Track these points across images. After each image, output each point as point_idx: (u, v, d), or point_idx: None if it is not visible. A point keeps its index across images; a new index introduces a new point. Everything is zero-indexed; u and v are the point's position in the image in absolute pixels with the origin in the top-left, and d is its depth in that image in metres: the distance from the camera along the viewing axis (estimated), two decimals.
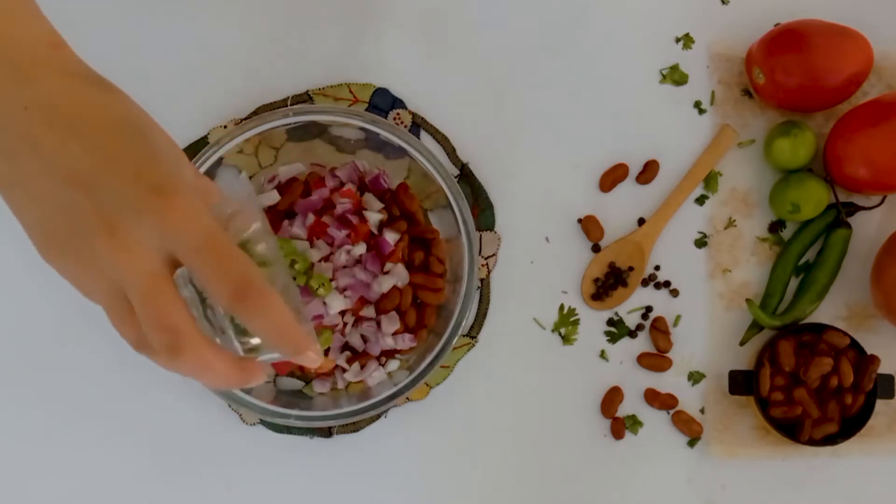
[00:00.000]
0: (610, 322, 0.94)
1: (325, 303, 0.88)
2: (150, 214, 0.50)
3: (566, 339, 0.93)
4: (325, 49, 0.95)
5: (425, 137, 0.94)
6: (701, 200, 0.95)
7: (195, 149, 0.92)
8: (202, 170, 0.87)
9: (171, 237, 0.50)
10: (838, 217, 0.93)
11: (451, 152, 0.94)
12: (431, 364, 0.87)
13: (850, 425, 0.89)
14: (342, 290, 0.89)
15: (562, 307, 0.94)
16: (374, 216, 0.89)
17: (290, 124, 0.88)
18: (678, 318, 0.94)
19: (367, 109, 0.94)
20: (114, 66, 0.98)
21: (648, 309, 0.94)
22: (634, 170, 0.95)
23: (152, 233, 0.50)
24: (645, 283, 0.94)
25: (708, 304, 0.94)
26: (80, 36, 0.96)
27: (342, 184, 0.91)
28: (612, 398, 0.93)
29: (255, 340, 0.54)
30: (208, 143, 0.93)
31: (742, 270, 0.94)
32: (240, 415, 0.92)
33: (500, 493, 0.93)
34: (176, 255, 0.51)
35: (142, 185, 0.50)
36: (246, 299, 0.50)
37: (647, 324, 0.94)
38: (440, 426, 0.93)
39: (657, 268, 0.94)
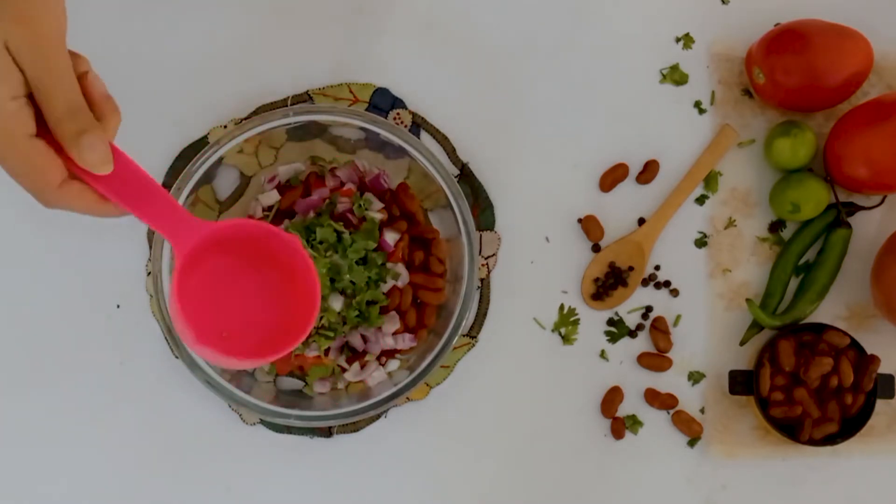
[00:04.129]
0: (610, 322, 0.94)
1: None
2: None
3: (566, 339, 0.93)
4: (325, 49, 0.95)
5: (425, 137, 0.94)
6: (701, 200, 0.95)
7: (195, 149, 0.92)
8: (202, 170, 0.87)
9: None
10: (838, 217, 0.93)
11: (451, 152, 0.94)
12: (431, 364, 0.87)
13: (850, 425, 0.89)
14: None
15: (562, 307, 0.94)
16: (374, 216, 0.89)
17: (290, 124, 0.88)
18: (678, 318, 0.94)
19: (367, 109, 0.94)
20: (114, 65, 0.98)
21: (648, 309, 0.94)
22: (634, 170, 0.95)
23: None
24: (645, 283, 0.94)
25: (708, 304, 0.94)
26: (80, 35, 0.96)
27: (342, 184, 0.91)
28: (612, 398, 0.93)
29: None
30: (208, 143, 0.93)
31: (742, 270, 0.94)
32: (240, 415, 0.92)
33: (500, 493, 0.92)
34: None
35: None
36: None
37: (647, 324, 0.94)
38: (440, 426, 0.93)
39: (657, 268, 0.94)
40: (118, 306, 0.93)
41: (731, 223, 0.94)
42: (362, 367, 0.90)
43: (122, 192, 0.63)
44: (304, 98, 0.94)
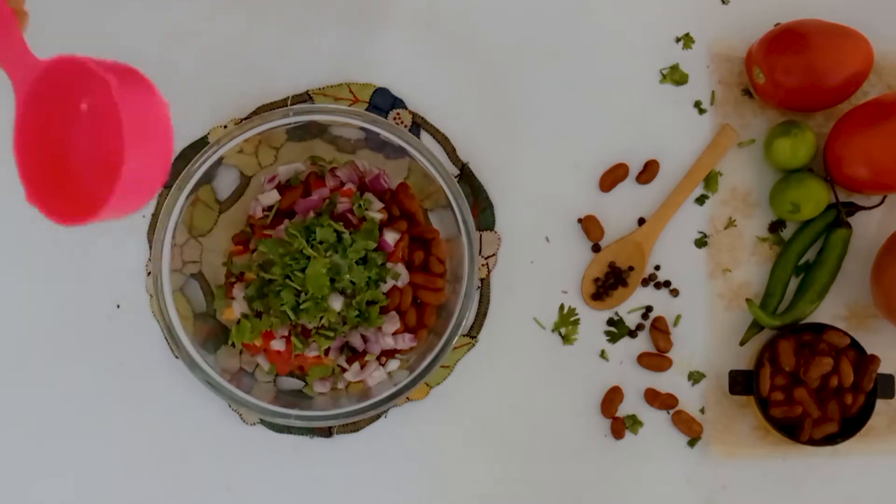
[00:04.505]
0: (610, 322, 0.94)
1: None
2: None
3: (566, 339, 0.93)
4: (325, 49, 0.95)
5: (425, 137, 0.94)
6: (701, 200, 0.95)
7: (195, 149, 0.92)
8: (202, 170, 0.87)
9: None
10: (838, 217, 0.93)
11: (451, 152, 0.94)
12: (431, 364, 0.87)
13: (850, 425, 0.89)
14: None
15: (562, 307, 0.94)
16: (374, 216, 0.89)
17: (290, 124, 0.88)
18: (678, 318, 0.94)
19: (367, 109, 0.94)
20: None
21: (648, 309, 0.94)
22: (634, 170, 0.95)
23: None
24: (645, 282, 0.94)
25: (708, 304, 0.94)
26: (80, 36, 0.96)
27: (342, 184, 0.92)
28: (612, 398, 0.93)
29: None
30: (208, 142, 0.93)
31: (742, 270, 0.94)
32: (240, 415, 0.92)
33: (500, 493, 0.92)
34: None
35: None
36: None
37: (647, 324, 0.94)
38: (440, 426, 0.93)
39: (657, 268, 0.94)
40: (118, 306, 0.93)
41: (731, 223, 0.95)
42: (362, 367, 0.90)
43: None
44: (304, 98, 0.94)
